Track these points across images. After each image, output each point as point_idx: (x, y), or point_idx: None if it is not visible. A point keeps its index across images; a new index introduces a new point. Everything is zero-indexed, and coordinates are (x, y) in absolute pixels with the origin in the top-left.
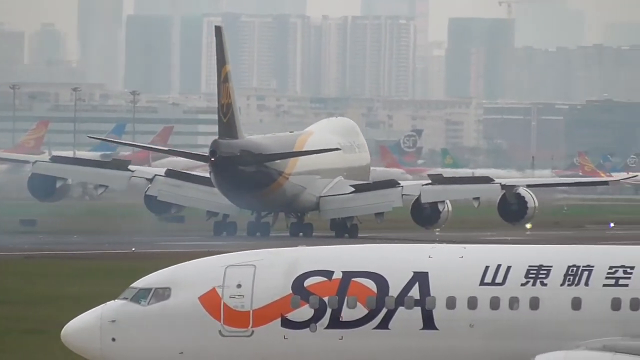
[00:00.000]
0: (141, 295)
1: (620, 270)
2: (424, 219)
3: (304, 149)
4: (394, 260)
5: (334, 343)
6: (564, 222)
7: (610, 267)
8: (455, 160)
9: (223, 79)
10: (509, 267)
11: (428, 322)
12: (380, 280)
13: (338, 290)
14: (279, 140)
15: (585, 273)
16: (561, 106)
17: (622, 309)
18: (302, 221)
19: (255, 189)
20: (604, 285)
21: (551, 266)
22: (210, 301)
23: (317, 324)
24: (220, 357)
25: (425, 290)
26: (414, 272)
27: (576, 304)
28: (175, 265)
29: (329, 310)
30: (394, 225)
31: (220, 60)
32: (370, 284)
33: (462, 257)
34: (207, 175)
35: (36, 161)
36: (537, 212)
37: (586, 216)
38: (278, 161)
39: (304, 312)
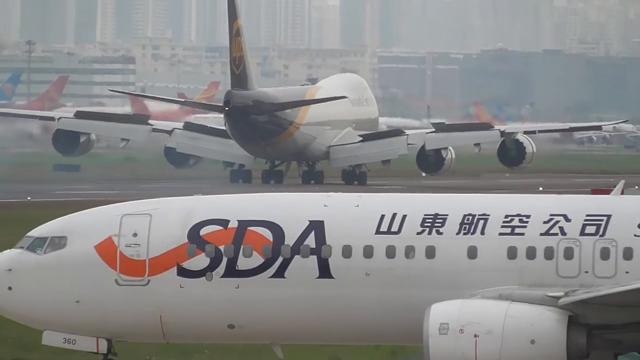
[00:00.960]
0: (37, 244)
1: (517, 219)
2: (428, 166)
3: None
4: (289, 209)
5: (230, 292)
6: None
7: (506, 216)
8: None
9: (235, 33)
10: (404, 216)
11: (324, 270)
12: (276, 229)
13: (234, 239)
14: (289, 92)
15: (481, 222)
16: (456, 55)
17: (518, 258)
18: (313, 169)
19: (267, 137)
20: (500, 234)
21: (447, 215)
22: (106, 250)
23: (213, 273)
24: (116, 306)
25: (321, 239)
26: (310, 221)
27: (472, 252)
28: (71, 214)
29: (225, 259)
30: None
31: (231, 14)
32: (266, 233)
33: (357, 205)
34: (223, 128)
35: (60, 117)
36: (534, 157)
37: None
38: (288, 111)
39: (200, 260)
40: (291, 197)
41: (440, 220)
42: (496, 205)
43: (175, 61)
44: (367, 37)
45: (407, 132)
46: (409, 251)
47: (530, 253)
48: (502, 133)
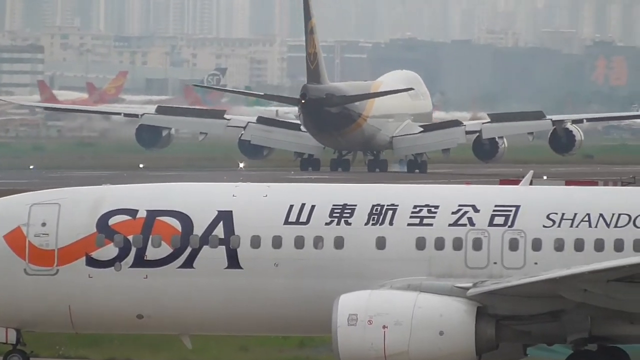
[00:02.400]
0: None
1: (425, 209)
2: (484, 154)
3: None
4: (198, 199)
5: (138, 282)
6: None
7: (415, 206)
8: (258, 98)
9: (310, 31)
10: (313, 206)
11: (232, 261)
12: (185, 219)
13: (142, 229)
14: (357, 86)
15: (390, 212)
16: (365, 44)
17: (426, 249)
18: (378, 158)
19: (339, 128)
20: (409, 224)
21: (355, 205)
22: (15, 240)
23: (121, 263)
24: (25, 296)
25: (229, 229)
26: (219, 210)
27: (380, 243)
28: None
29: (133, 249)
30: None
31: (306, 14)
32: (175, 223)
33: (266, 195)
34: (293, 121)
35: (144, 114)
36: (583, 145)
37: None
38: (357, 104)
39: (109, 250)
40: (200, 187)
41: (349, 211)
42: (405, 195)
43: (83, 50)
44: (276, 26)
45: (465, 122)
46: (318, 241)
47: (439, 244)
48: (554, 122)
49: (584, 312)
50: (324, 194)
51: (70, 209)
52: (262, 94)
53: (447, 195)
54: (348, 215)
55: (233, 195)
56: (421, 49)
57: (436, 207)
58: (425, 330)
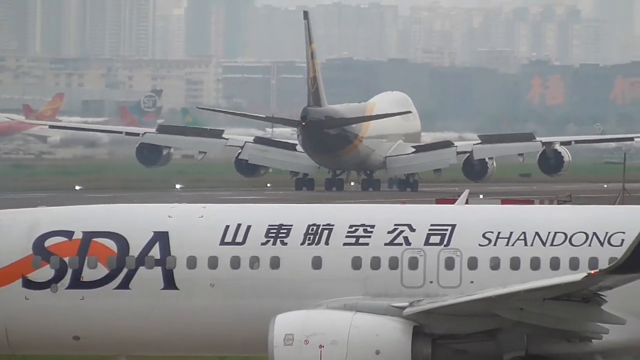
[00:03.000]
0: None
1: (361, 229)
2: (474, 174)
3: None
4: (134, 220)
5: (75, 303)
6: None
7: (351, 226)
8: (195, 119)
9: (311, 56)
10: (249, 227)
11: (168, 281)
12: (121, 241)
13: (79, 251)
14: (354, 108)
15: (326, 232)
16: (301, 64)
17: (362, 268)
18: (371, 178)
19: (336, 149)
20: (345, 244)
21: (291, 225)
22: None
23: (58, 285)
24: None
25: (165, 250)
26: (154, 232)
27: (316, 262)
28: None
29: (69, 271)
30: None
31: (308, 39)
32: (111, 244)
33: (202, 216)
34: (289, 141)
35: (145, 132)
36: (570, 166)
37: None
38: (354, 126)
39: (45, 272)
40: (136, 208)
41: (285, 231)
42: (340, 215)
43: (20, 72)
44: (212, 47)
45: (456, 143)
46: (254, 262)
47: (375, 263)
48: (543, 144)
49: (521, 331)
50: (259, 214)
51: (6, 231)
52: (264, 116)
53: (383, 215)
54: (284, 235)
55: (169, 216)
56: (358, 68)
57: (372, 226)
58: (361, 350)
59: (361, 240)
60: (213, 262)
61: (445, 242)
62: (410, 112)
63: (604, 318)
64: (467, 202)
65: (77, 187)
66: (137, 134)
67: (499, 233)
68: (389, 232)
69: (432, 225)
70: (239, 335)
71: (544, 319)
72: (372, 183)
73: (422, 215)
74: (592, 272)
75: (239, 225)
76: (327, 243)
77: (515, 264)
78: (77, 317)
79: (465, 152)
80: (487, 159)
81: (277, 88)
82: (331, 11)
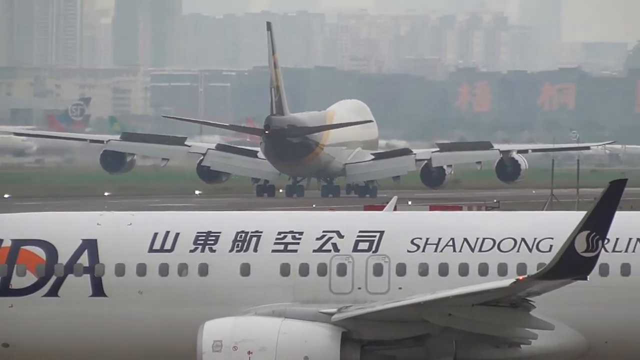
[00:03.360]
0: None
1: (289, 235)
2: (432, 181)
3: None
4: (62, 228)
5: (4, 311)
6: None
7: (279, 233)
8: (123, 127)
9: (274, 65)
10: (177, 234)
11: (97, 289)
12: (50, 248)
13: (7, 258)
14: (315, 116)
15: (254, 239)
16: (228, 73)
17: (291, 274)
18: (331, 185)
19: (298, 157)
20: (273, 250)
21: (220, 232)
22: None
23: None
24: None
25: (94, 257)
26: (83, 239)
27: (245, 269)
28: None
29: None
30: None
31: (271, 49)
32: (40, 252)
33: (130, 224)
34: (251, 148)
35: (109, 140)
36: (528, 173)
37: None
38: (316, 134)
39: None
40: (65, 216)
41: (213, 238)
42: (269, 222)
43: None
44: (140, 55)
45: (415, 150)
46: (182, 269)
47: (303, 270)
48: (501, 152)
49: (449, 337)
50: (188, 221)
51: None
52: (228, 124)
53: (311, 222)
54: (212, 242)
55: (97, 224)
56: (285, 75)
57: (300, 233)
58: (290, 356)
59: (290, 247)
60: (141, 270)
61: (373, 249)
62: (372, 121)
63: (533, 324)
64: (395, 209)
65: (6, 196)
66: (102, 142)
67: (427, 239)
68: (317, 239)
69: (360, 231)
70: (168, 342)
71: (473, 325)
72: (332, 189)
73: (351, 221)
74: (521, 277)
75: (167, 233)
76: (255, 250)
77: (443, 270)
78: (6, 324)
79: (423, 160)
80: (445, 167)
81: (205, 96)
82: (259, 19)
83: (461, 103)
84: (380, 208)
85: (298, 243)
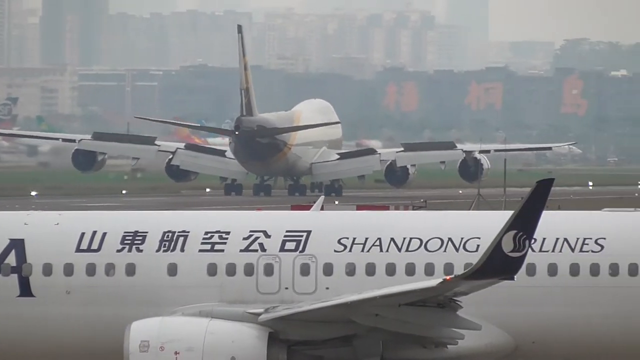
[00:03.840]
0: None
1: (216, 235)
2: (396, 180)
3: (301, 124)
4: None
5: None
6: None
7: (206, 233)
8: (50, 126)
9: (244, 67)
10: (104, 234)
11: (24, 289)
12: None
13: None
14: (282, 117)
15: (181, 238)
16: (155, 72)
17: (218, 274)
18: (298, 183)
19: (266, 157)
20: (200, 250)
21: (147, 232)
22: None
23: None
24: None
25: (21, 257)
26: (10, 239)
27: (172, 269)
28: None
29: None
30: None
31: (241, 51)
32: None
33: (57, 223)
34: (219, 147)
35: (81, 139)
36: (490, 173)
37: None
38: (284, 134)
39: None
40: None
41: (140, 238)
42: (196, 222)
43: None
44: (67, 55)
45: (379, 150)
46: (109, 269)
47: (230, 270)
48: (464, 152)
49: (376, 337)
50: (115, 221)
51: None
52: (199, 125)
53: (238, 221)
54: (139, 242)
55: (25, 224)
56: (212, 75)
57: (227, 233)
58: (217, 356)
59: (217, 247)
60: (69, 270)
61: (300, 248)
62: (339, 122)
63: (460, 324)
64: (322, 209)
65: None
66: (74, 141)
67: (354, 239)
68: (244, 239)
69: (287, 231)
70: (95, 342)
71: (400, 325)
72: (298, 188)
73: (278, 221)
74: (448, 277)
75: (94, 233)
76: (182, 250)
77: (370, 269)
78: None
79: (387, 160)
80: (409, 166)
81: (132, 95)
82: (185, 18)
83: (388, 102)
84: (308, 208)
85: (225, 243)
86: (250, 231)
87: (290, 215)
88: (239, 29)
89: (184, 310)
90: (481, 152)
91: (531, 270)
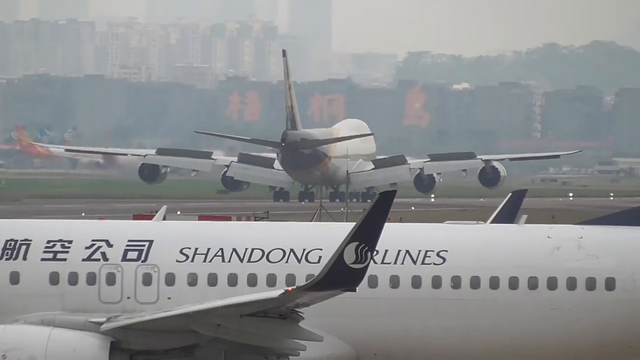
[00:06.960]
0: None
1: (59, 244)
2: (424, 187)
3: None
4: None
5: None
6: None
7: (49, 241)
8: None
9: (289, 87)
10: None
11: None
12: None
13: None
14: (323, 132)
15: (24, 247)
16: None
17: (60, 283)
18: (337, 191)
19: (309, 166)
20: (42, 259)
21: None
22: None
23: None
24: None
25: None
26: None
27: (14, 278)
28: None
29: None
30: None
31: (285, 73)
32: None
33: None
34: (268, 155)
35: (147, 154)
36: (506, 180)
37: (24, 190)
38: (324, 147)
39: None
40: None
41: None
42: (39, 230)
43: None
44: None
45: (409, 160)
46: None
47: (73, 279)
48: (483, 161)
49: (218, 347)
50: None
51: None
52: (250, 138)
53: (81, 231)
54: None
55: None
56: (54, 84)
57: (70, 242)
58: None
59: (59, 256)
60: None
61: (142, 258)
62: (372, 134)
63: (301, 335)
64: (165, 218)
65: None
66: (142, 155)
67: (196, 249)
68: (86, 248)
69: (129, 241)
70: None
71: (241, 335)
72: (338, 195)
73: (120, 230)
74: (289, 288)
75: None
76: (25, 258)
77: (212, 280)
78: None
79: (416, 169)
80: (435, 174)
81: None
82: (28, 27)
83: (231, 111)
84: (150, 217)
85: (67, 252)
86: (93, 240)
87: (133, 225)
88: (284, 53)
89: (27, 318)
90: (498, 160)
91: (373, 282)
